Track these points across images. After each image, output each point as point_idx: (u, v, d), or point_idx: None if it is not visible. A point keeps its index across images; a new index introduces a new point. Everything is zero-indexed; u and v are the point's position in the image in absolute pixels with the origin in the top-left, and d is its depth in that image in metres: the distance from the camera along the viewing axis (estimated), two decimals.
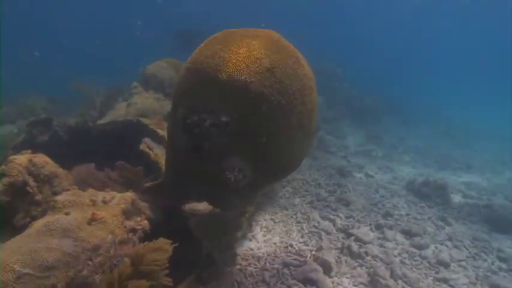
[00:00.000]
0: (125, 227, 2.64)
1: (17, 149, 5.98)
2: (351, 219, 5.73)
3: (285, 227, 5.28)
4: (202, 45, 2.94)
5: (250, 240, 4.94)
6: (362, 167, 8.60)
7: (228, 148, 2.73)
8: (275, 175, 3.02)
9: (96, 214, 2.45)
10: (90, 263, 2.19)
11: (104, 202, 2.70)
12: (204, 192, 3.21)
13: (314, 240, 5.02)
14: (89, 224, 2.42)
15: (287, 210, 5.75)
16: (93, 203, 2.63)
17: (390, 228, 5.55)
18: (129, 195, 2.84)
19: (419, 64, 33.45)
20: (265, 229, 5.21)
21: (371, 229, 5.51)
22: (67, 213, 2.40)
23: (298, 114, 2.71)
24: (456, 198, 7.39)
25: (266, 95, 2.56)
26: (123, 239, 2.57)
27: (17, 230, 2.54)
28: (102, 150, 4.98)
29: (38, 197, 2.70)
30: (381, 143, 10.78)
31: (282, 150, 2.76)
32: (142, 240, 2.84)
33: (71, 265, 2.06)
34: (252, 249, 4.71)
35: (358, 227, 5.46)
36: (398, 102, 15.59)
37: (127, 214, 2.73)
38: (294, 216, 5.57)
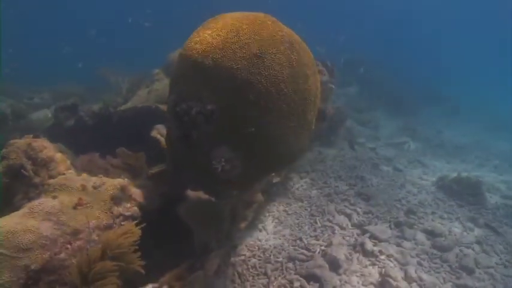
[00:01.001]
0: (112, 212, 2.66)
1: (46, 133, 6.33)
2: (370, 214, 5.45)
3: (297, 219, 5.14)
4: (196, 29, 2.84)
5: (260, 231, 4.87)
6: (391, 160, 8.15)
7: (216, 137, 2.64)
8: (270, 167, 2.90)
9: (82, 199, 2.48)
10: (69, 246, 2.22)
11: (94, 187, 2.74)
12: (200, 181, 3.17)
13: (326, 235, 4.84)
14: (75, 208, 2.46)
15: (302, 202, 5.59)
16: (83, 187, 2.68)
17: (411, 226, 5.20)
18: (120, 181, 2.86)
19: (466, 52, 30.84)
20: (277, 220, 5.11)
21: (390, 226, 5.21)
22: (54, 197, 2.45)
23: (290, 103, 2.54)
24: (493, 199, 6.78)
25: (253, 83, 2.42)
26: (108, 224, 2.60)
27: (17, 210, 2.66)
28: (122, 135, 5.12)
29: (36, 180, 2.79)
30: (415, 135, 10.13)
31: (273, 141, 2.62)
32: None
33: (47, 247, 2.10)
34: (260, 240, 4.64)
35: (376, 224, 5.19)
36: (440, 91, 14.55)
37: (116, 200, 2.75)
38: (309, 209, 5.40)
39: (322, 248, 4.53)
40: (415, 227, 5.30)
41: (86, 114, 6.08)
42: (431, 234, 5.14)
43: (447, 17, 31.49)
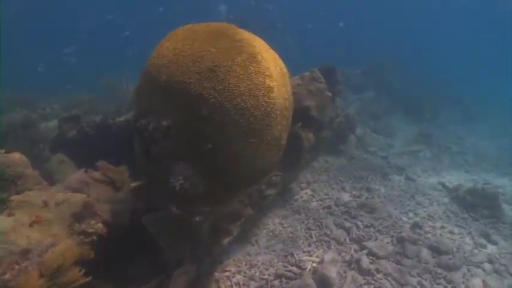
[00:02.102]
0: (72, 229, 2.62)
1: (51, 143, 6.50)
2: (371, 228, 5.16)
3: (292, 233, 4.94)
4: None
5: (253, 245, 4.72)
6: (403, 169, 7.74)
7: (175, 154, 2.54)
8: (235, 185, 2.75)
9: (38, 216, 2.45)
10: (16, 266, 2.18)
11: (57, 204, 2.71)
12: (169, 197, 3.08)
13: (321, 250, 4.62)
14: (31, 226, 2.42)
15: (299, 214, 5.38)
16: (45, 204, 2.65)
17: (414, 242, 4.86)
18: (84, 197, 2.82)
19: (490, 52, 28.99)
20: (271, 234, 4.94)
21: (392, 242, 4.90)
22: (10, 214, 2.43)
23: (249, 118, 2.40)
24: None
25: (206, 97, 2.31)
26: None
27: None
28: (119, 146, 5.15)
29: (4, 195, 2.79)
30: (432, 141, 9.60)
31: (232, 158, 2.48)
32: (95, 243, 2.81)
33: None
34: (250, 255, 4.49)
35: (376, 239, 4.90)
36: (462, 95, 13.79)
37: (78, 217, 2.70)
38: (305, 222, 5.19)
39: (314, 264, 4.31)
40: (420, 242, 4.95)
41: (87, 125, 6.18)
42: (436, 251, 4.78)
43: (468, 16, 30.01)
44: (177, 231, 3.12)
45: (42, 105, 8.46)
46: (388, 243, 4.87)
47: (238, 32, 2.57)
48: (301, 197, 5.84)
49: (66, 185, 3.99)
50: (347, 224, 5.16)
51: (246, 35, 2.58)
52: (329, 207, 5.57)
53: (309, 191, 6.03)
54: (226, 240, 3.95)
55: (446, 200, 6.46)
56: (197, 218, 3.31)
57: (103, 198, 3.37)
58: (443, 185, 7.16)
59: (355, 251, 4.67)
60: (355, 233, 4.97)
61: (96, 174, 3.77)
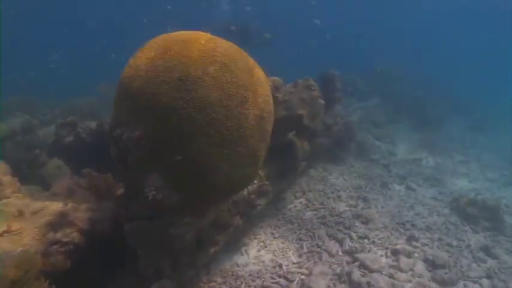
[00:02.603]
0: (46, 239, 2.59)
1: (48, 148, 6.55)
2: (365, 240, 5.03)
3: (283, 243, 4.85)
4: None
5: (242, 255, 4.64)
6: (404, 178, 7.58)
7: (148, 164, 2.51)
8: (212, 197, 2.70)
9: (10, 225, 2.43)
10: None
11: (33, 213, 2.69)
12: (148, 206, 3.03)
13: (311, 262, 4.51)
14: (1, 235, 2.41)
15: (292, 224, 5.29)
16: (20, 213, 2.64)
17: (409, 255, 4.72)
18: (59, 206, 2.80)
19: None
20: (261, 244, 4.86)
21: (386, 254, 4.77)
22: None
23: (220, 129, 2.35)
24: None
25: (175, 108, 2.27)
26: (41, 252, 2.52)
27: None
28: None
29: None
30: (436, 150, 9.40)
31: (204, 169, 2.43)
32: (72, 252, 2.78)
33: None
34: (238, 266, 4.42)
35: (369, 251, 4.77)
36: (468, 103, 13.50)
37: (53, 226, 2.68)
38: (298, 232, 5.09)
39: (303, 277, 4.21)
40: (416, 255, 4.82)
41: (83, 131, 6.22)
42: (432, 264, 4.63)
43: (473, 22, 29.44)
44: (157, 242, 3.07)
45: (44, 111, 8.56)
46: (381, 255, 4.74)
47: (212, 41, 2.53)
48: (295, 207, 5.75)
49: (52, 192, 4.00)
50: (340, 235, 5.04)
51: (221, 44, 2.53)
52: (323, 217, 5.46)
53: (303, 200, 5.93)
54: (212, 251, 3.89)
55: (446, 211, 6.29)
56: (180, 229, 3.25)
57: (85, 206, 3.35)
58: (444, 195, 6.99)
59: (347, 263, 4.55)
60: (348, 245, 4.86)
61: (82, 182, 3.77)
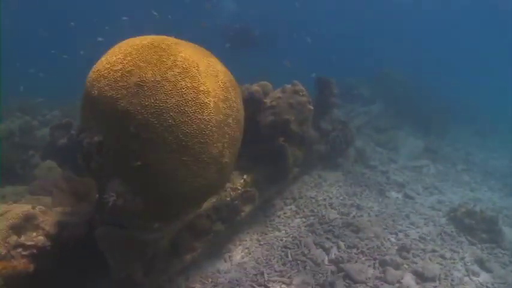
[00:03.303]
0: (7, 242, 2.57)
1: (43, 150, 6.61)
2: (354, 249, 4.89)
3: (267, 251, 4.75)
4: None
5: (225, 261, 4.57)
6: (403, 185, 7.39)
7: (110, 169, 2.47)
8: (177, 204, 2.64)
9: None
10: None
11: None
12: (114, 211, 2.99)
13: (295, 271, 4.41)
14: None
15: (279, 231, 5.19)
16: None
17: (397, 266, 4.57)
18: (26, 209, 2.78)
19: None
20: (246, 251, 4.78)
21: (373, 265, 4.62)
22: None
23: (178, 135, 2.30)
24: None
25: (133, 114, 2.23)
26: (2, 255, 2.50)
27: None
28: None
29: None
30: (439, 157, 9.15)
31: (164, 176, 2.38)
32: (36, 256, 2.76)
33: None
34: (219, 272, 4.35)
35: (356, 261, 4.63)
36: (473, 109, 13.14)
37: (16, 229, 2.66)
38: (284, 239, 4.99)
39: (284, 286, 4.11)
40: (405, 266, 4.66)
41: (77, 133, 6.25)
42: (421, 277, 4.47)
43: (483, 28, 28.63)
44: (128, 247, 3.02)
45: (44, 112, 8.67)
46: (369, 266, 4.60)
47: (174, 45, 2.48)
48: (285, 213, 5.64)
49: (31, 191, 4.01)
50: (328, 244, 4.92)
51: (184, 48, 2.48)
52: (311, 225, 5.34)
53: (293, 207, 5.82)
54: (189, 257, 3.83)
55: (443, 220, 6.09)
56: (149, 234, 3.20)
57: (59, 209, 3.33)
58: (443, 204, 6.78)
59: (332, 273, 4.43)
60: (335, 254, 4.73)
61: (61, 184, 3.76)
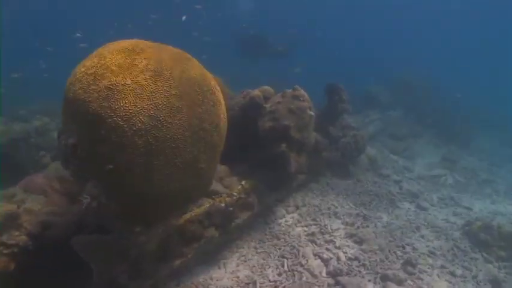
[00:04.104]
0: None
1: (54, 151, 6.82)
2: (355, 262, 4.69)
3: (264, 259, 4.63)
4: None
5: (219, 268, 4.49)
6: (416, 196, 7.05)
7: (85, 172, 2.46)
8: (150, 208, 2.59)
9: None
10: None
11: None
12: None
13: (290, 282, 4.26)
14: None
15: (278, 239, 5.05)
16: None
17: (399, 283, 4.32)
18: (9, 208, 2.83)
19: None
20: (242, 258, 4.68)
21: (373, 280, 4.40)
22: None
23: (148, 139, 2.26)
24: None
25: (103, 117, 2.22)
26: None
27: None
28: None
29: None
30: (458, 167, 8.68)
31: (136, 180, 2.34)
32: (17, 255, 2.79)
33: None
34: (211, 279, 4.27)
35: (355, 274, 4.43)
36: (499, 117, 12.40)
37: None
38: (282, 248, 4.85)
39: None
40: (410, 283, 4.41)
41: None
42: None
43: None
44: (108, 250, 3.01)
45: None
46: (369, 280, 4.38)
47: (149, 49, 2.45)
48: (286, 222, 5.50)
49: (25, 188, 4.09)
50: (327, 255, 4.73)
51: (159, 52, 2.45)
52: (312, 234, 5.17)
53: (295, 215, 5.67)
54: (178, 262, 3.78)
55: (457, 234, 5.75)
56: (135, 238, 3.18)
57: (48, 209, 3.38)
58: (459, 217, 6.41)
59: (329, 285, 4.25)
60: (334, 266, 4.54)
61: (55, 184, 3.83)
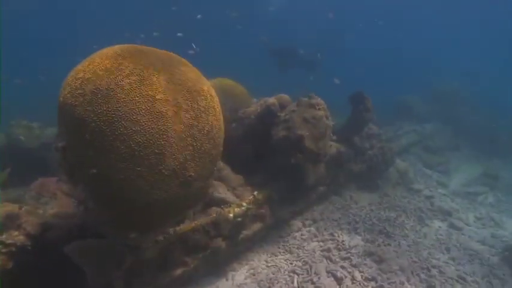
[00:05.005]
0: None
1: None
2: (371, 282, 4.35)
3: (273, 273, 4.44)
4: None
5: (227, 280, 4.37)
6: (449, 213, 6.50)
7: (75, 176, 2.48)
8: (140, 216, 2.55)
9: None
10: None
11: None
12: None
13: None
14: None
15: (291, 254, 4.84)
16: None
17: None
18: (10, 209, 2.91)
19: None
20: (252, 271, 4.52)
21: None
22: None
23: (130, 144, 2.22)
24: None
25: (87, 122, 2.22)
26: None
27: None
28: None
29: None
30: (500, 184, 7.93)
31: (119, 185, 2.31)
32: (15, 254, 2.86)
33: None
34: None
35: None
36: None
37: None
38: (294, 263, 4.63)
39: None
40: None
41: None
42: None
43: None
44: (103, 256, 3.01)
45: None
46: None
47: (138, 53, 2.43)
48: (302, 235, 5.27)
49: (38, 190, 4.25)
50: (341, 273, 4.44)
51: (147, 57, 2.43)
52: (328, 250, 4.90)
53: (312, 229, 5.41)
54: (180, 272, 3.71)
55: (494, 259, 5.19)
56: (136, 244, 3.16)
57: (54, 211, 3.46)
58: (498, 239, 5.82)
59: None
60: (347, 285, 4.25)
61: (64, 187, 3.94)
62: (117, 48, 2.47)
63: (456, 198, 7.27)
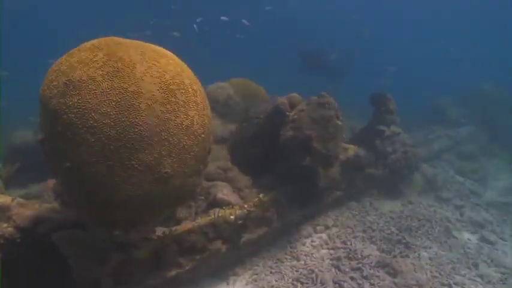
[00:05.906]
0: None
1: None
2: None
3: (276, 281, 4.21)
4: None
5: (228, 284, 4.21)
6: (481, 225, 5.94)
7: (54, 169, 2.44)
8: (118, 213, 2.44)
9: None
10: None
11: None
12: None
13: None
14: None
15: (298, 261, 4.58)
16: None
17: None
18: (1, 201, 2.94)
19: None
20: (254, 277, 4.32)
21: None
22: None
23: (100, 138, 2.13)
24: None
25: (60, 113, 2.16)
26: None
27: None
28: None
29: None
30: None
31: (92, 180, 2.22)
32: (3, 246, 2.87)
33: None
34: None
35: None
36: None
37: None
38: (299, 271, 4.37)
39: None
40: None
41: None
42: None
43: None
44: (87, 249, 2.96)
45: None
46: None
47: (115, 45, 2.34)
48: (312, 242, 4.99)
49: (43, 188, 4.30)
50: (349, 285, 4.13)
51: (125, 48, 2.32)
52: (338, 258, 4.59)
53: (324, 236, 5.12)
54: (174, 273, 3.59)
55: None
56: (123, 241, 3.09)
57: (50, 206, 3.47)
58: None
59: None
60: None
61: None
62: (96, 40, 2.41)
63: (491, 209, 6.64)
